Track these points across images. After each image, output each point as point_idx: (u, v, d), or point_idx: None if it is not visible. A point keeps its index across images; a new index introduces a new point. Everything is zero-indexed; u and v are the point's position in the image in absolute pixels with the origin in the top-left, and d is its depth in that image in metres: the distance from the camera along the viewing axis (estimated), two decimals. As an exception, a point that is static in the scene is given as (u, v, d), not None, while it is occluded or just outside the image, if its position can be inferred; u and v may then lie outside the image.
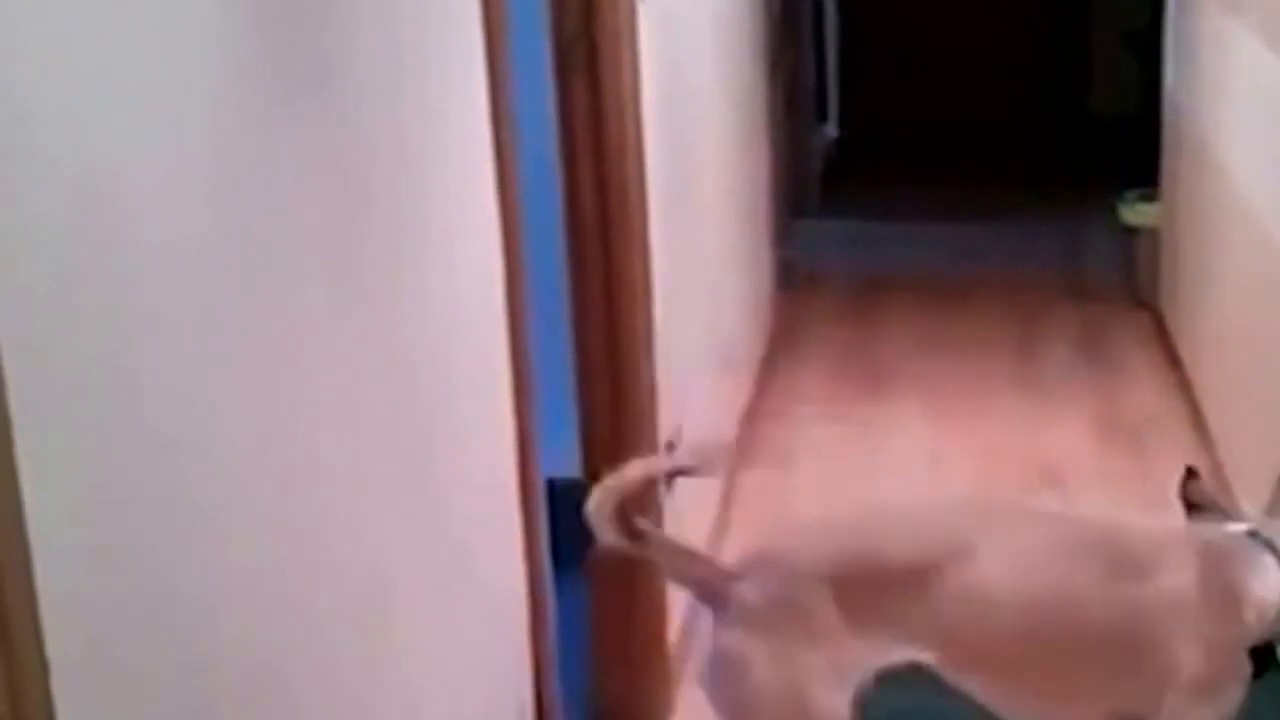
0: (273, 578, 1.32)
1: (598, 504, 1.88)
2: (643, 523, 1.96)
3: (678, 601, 3.00)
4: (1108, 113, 6.36)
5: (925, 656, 1.94)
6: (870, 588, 1.89)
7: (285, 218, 1.35)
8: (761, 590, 1.90)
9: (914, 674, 2.09)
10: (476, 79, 1.89)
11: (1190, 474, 2.19)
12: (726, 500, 3.64)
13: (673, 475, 2.03)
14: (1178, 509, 3.59)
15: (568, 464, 2.67)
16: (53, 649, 0.95)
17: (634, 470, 1.96)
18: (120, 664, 1.06)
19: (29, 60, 0.97)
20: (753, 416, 4.12)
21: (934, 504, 2.10)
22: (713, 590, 1.94)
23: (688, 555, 2.02)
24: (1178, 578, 1.93)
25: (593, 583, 2.77)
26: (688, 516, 3.14)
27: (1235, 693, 1.98)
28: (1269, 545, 2.00)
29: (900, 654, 1.92)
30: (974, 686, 1.98)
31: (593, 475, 2.71)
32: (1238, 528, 2.06)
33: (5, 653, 0.90)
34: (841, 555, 1.92)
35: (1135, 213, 4.88)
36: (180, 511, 1.15)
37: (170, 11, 1.15)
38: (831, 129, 6.58)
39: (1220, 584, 1.95)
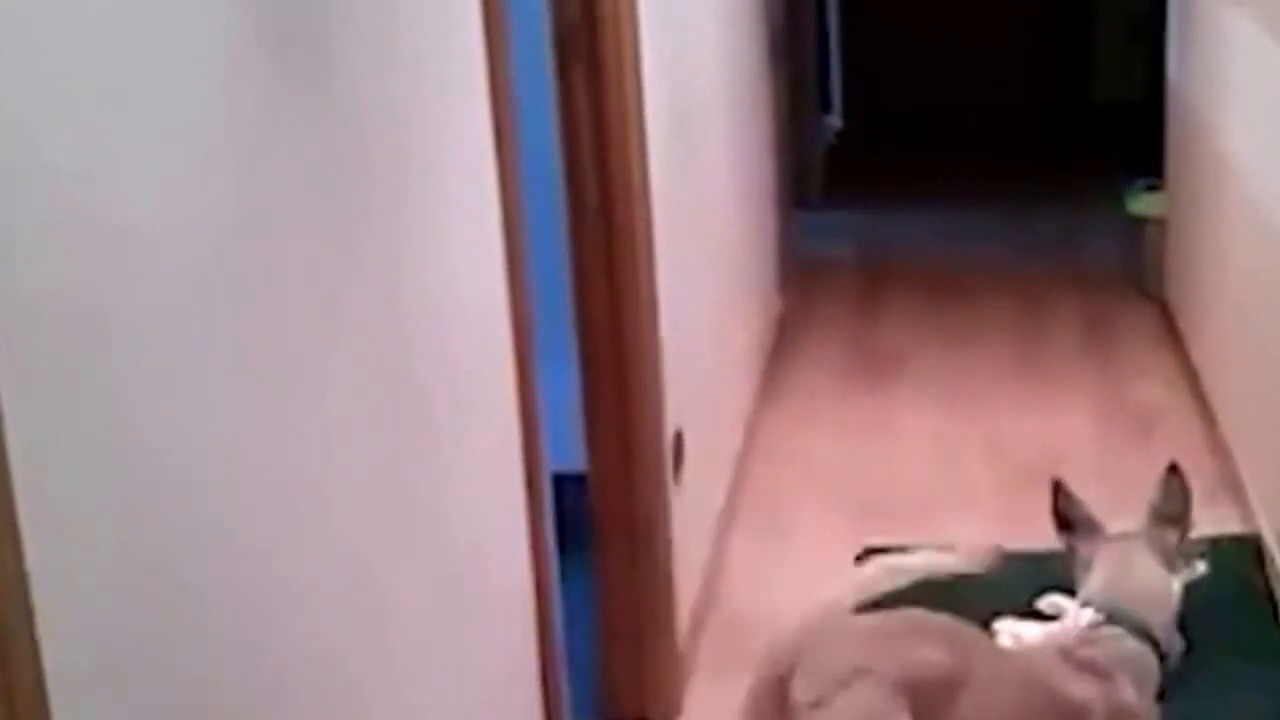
0: (277, 573, 1.31)
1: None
2: None
3: (686, 599, 2.99)
4: (1112, 101, 6.34)
5: None
6: (930, 695, 1.99)
7: (284, 211, 1.34)
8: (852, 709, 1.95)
9: None
10: (476, 70, 1.88)
11: (1058, 490, 2.38)
12: (734, 490, 3.63)
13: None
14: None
15: (573, 459, 2.66)
16: (49, 657, 0.94)
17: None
18: (117, 668, 1.05)
19: (21, 54, 0.96)
20: (759, 407, 4.11)
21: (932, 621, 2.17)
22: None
23: None
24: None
25: (600, 580, 2.77)
26: (693, 508, 3.13)
27: None
28: (1150, 640, 2.20)
29: None
30: None
31: (598, 471, 2.71)
32: (1114, 633, 2.20)
33: (5, 684, 0.89)
34: (914, 665, 1.99)
35: (1141, 202, 4.86)
36: (179, 510, 1.14)
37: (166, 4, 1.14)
38: (835, 119, 6.56)
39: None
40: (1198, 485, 3.54)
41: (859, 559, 3.05)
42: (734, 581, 3.31)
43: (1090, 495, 3.56)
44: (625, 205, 2.61)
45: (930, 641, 2.04)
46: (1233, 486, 3.54)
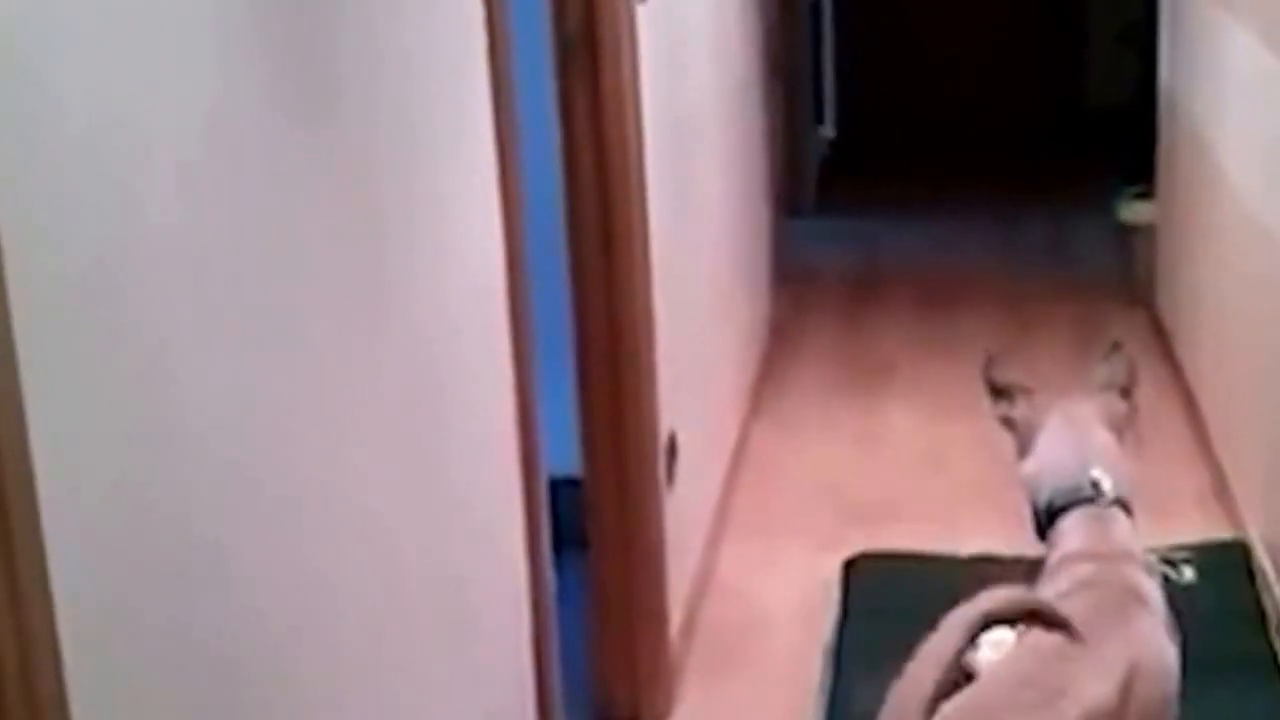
0: (287, 568, 1.34)
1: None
2: None
3: (678, 601, 3.02)
4: (1103, 108, 6.38)
5: None
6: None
7: (298, 220, 1.37)
8: None
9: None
10: (479, 84, 1.91)
11: (991, 361, 2.20)
12: (726, 494, 3.67)
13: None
14: (1172, 509, 3.62)
15: (569, 464, 2.69)
16: (65, 632, 0.96)
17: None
18: (132, 651, 1.08)
19: (66, 93, 1.00)
20: (751, 412, 4.15)
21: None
22: None
23: None
24: None
25: (594, 582, 2.80)
26: (686, 512, 3.16)
27: None
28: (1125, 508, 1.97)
29: None
30: None
31: (593, 475, 2.75)
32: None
33: (18, 632, 0.91)
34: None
35: (1131, 209, 4.90)
36: (199, 504, 1.17)
37: (181, 29, 1.17)
38: (828, 129, 6.61)
39: None
40: (1191, 493, 3.60)
41: (849, 564, 3.08)
42: (725, 583, 3.35)
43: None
44: (623, 216, 2.64)
45: (1081, 678, 1.74)
46: (1222, 492, 3.58)
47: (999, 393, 2.17)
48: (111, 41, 1.07)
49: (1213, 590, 2.91)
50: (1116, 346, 2.19)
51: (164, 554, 1.12)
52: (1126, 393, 2.11)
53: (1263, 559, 3.09)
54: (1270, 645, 2.75)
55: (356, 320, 1.51)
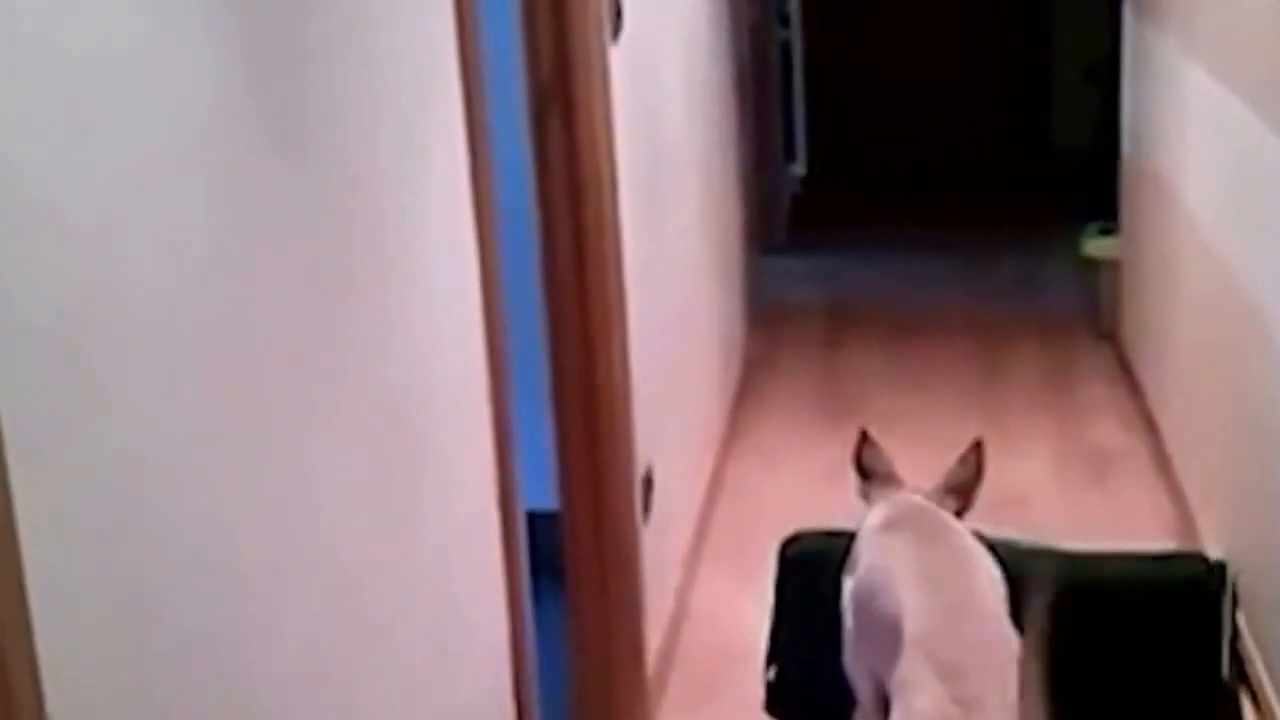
0: (269, 596, 1.35)
1: None
2: None
3: (655, 632, 3.06)
4: (1069, 147, 6.49)
5: None
6: None
7: (274, 259, 1.38)
8: None
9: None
10: (455, 128, 1.94)
11: (865, 439, 2.60)
12: (701, 525, 3.71)
13: None
14: (1135, 534, 3.68)
15: (546, 498, 2.74)
16: (47, 671, 0.97)
17: None
18: (113, 684, 1.09)
19: (31, 125, 1.01)
20: (726, 445, 4.19)
21: None
22: None
23: None
24: None
25: (572, 614, 2.83)
26: (663, 543, 3.21)
27: None
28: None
29: None
30: None
31: (570, 509, 2.78)
32: None
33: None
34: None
35: (1096, 245, 4.99)
36: (176, 543, 1.18)
37: (168, 85, 1.20)
38: (799, 167, 6.70)
39: None
40: (1156, 525, 3.67)
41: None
42: (701, 614, 3.39)
43: (1050, 531, 3.67)
44: (598, 253, 2.67)
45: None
46: (1183, 517, 3.64)
47: (866, 474, 2.58)
48: (115, 140, 1.10)
49: (1176, 600, 2.97)
50: (977, 446, 2.57)
51: (146, 620, 1.12)
52: (965, 494, 2.55)
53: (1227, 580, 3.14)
54: (1228, 656, 2.82)
55: (332, 364, 1.52)
